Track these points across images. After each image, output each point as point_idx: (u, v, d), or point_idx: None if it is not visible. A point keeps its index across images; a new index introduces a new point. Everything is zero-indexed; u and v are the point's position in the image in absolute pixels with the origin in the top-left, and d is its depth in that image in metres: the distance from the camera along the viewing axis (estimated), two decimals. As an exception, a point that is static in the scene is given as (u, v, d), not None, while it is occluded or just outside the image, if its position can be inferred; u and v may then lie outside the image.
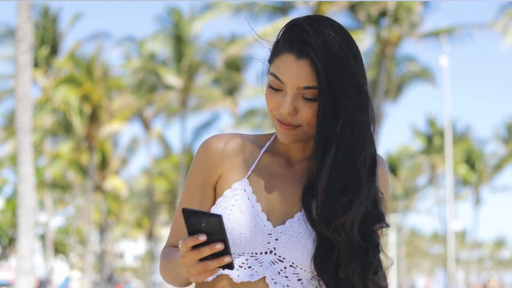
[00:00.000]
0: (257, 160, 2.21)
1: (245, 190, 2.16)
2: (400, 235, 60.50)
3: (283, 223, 2.13)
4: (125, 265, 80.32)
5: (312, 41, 2.05)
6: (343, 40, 2.09)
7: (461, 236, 75.27)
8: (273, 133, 2.27)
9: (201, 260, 1.93)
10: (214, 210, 2.17)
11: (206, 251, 1.91)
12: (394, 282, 51.53)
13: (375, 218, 2.13)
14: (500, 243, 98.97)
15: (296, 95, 2.08)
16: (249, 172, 2.19)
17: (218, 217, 1.89)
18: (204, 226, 1.90)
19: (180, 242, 1.94)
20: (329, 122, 2.06)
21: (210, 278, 2.14)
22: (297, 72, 2.06)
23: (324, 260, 2.08)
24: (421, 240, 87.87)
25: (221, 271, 2.09)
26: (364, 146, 2.10)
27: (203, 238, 1.90)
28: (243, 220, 2.11)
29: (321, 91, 2.05)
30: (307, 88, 2.07)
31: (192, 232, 1.92)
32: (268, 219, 2.13)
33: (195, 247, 1.92)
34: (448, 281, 36.88)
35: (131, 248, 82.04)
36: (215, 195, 2.22)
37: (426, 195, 66.97)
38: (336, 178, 2.07)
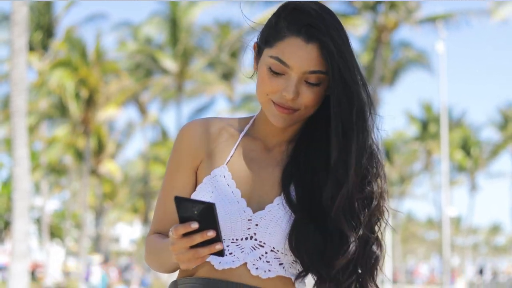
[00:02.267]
0: (236, 145, 2.21)
1: (224, 176, 2.16)
2: (396, 221, 60.59)
3: (263, 208, 2.13)
4: (121, 249, 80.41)
5: (321, 25, 2.06)
6: (341, 27, 2.10)
7: (457, 222, 75.42)
8: (252, 117, 2.28)
9: (192, 247, 1.94)
10: (195, 196, 2.18)
11: (198, 238, 1.91)
12: (389, 268, 51.67)
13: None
14: (495, 229, 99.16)
15: (300, 79, 2.08)
16: (229, 158, 2.19)
17: (211, 206, 1.90)
18: (196, 214, 1.91)
19: (171, 229, 1.94)
20: (344, 108, 2.07)
21: (192, 265, 2.16)
22: (305, 56, 2.06)
23: (303, 242, 2.08)
24: (417, 226, 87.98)
25: (210, 257, 2.10)
26: (372, 134, 2.13)
27: (195, 226, 1.90)
28: (223, 207, 2.12)
29: (334, 75, 2.05)
30: (313, 72, 2.07)
31: (183, 219, 1.92)
32: (248, 205, 2.14)
33: (185, 234, 1.93)
34: (443, 267, 36.98)
35: (127, 232, 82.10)
36: (197, 180, 2.22)
37: (421, 181, 67.10)
38: (359, 167, 2.08)
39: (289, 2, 2.13)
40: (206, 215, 1.91)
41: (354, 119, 2.07)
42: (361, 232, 2.09)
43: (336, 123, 2.07)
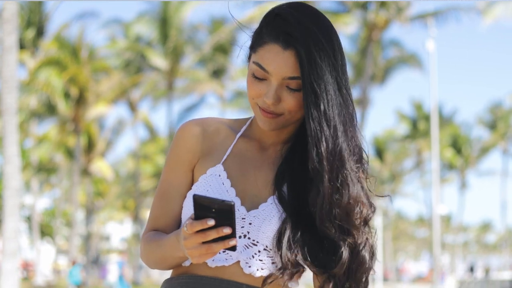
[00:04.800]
0: (232, 145, 2.24)
1: (219, 176, 2.19)
2: (386, 219, 60.71)
3: (257, 207, 2.16)
4: (112, 247, 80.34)
5: (297, 33, 2.07)
6: (325, 33, 2.11)
7: (447, 220, 75.68)
8: (249, 118, 2.31)
9: (204, 242, 1.96)
10: (190, 195, 2.19)
11: (213, 234, 1.93)
12: (379, 265, 51.78)
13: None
14: (485, 227, 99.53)
15: (281, 85, 2.11)
16: (224, 157, 2.22)
17: (231, 205, 1.91)
18: (214, 212, 1.92)
19: (184, 224, 1.96)
20: (315, 116, 2.08)
21: (187, 263, 2.18)
22: (282, 63, 2.09)
23: (289, 239, 2.10)
24: (407, 223, 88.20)
25: (221, 252, 2.12)
26: (347, 143, 2.11)
27: (211, 223, 1.92)
28: None
29: (304, 83, 2.08)
30: (292, 78, 2.09)
31: (199, 216, 1.93)
32: (242, 204, 2.16)
33: (199, 230, 1.94)
34: (434, 264, 37.07)
35: (118, 231, 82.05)
36: (193, 179, 2.25)
37: (412, 179, 67.24)
38: (332, 174, 2.09)
39: (274, 8, 2.15)
40: (223, 213, 1.92)
41: (323, 127, 2.08)
42: (349, 237, 2.10)
43: (308, 131, 2.09)
